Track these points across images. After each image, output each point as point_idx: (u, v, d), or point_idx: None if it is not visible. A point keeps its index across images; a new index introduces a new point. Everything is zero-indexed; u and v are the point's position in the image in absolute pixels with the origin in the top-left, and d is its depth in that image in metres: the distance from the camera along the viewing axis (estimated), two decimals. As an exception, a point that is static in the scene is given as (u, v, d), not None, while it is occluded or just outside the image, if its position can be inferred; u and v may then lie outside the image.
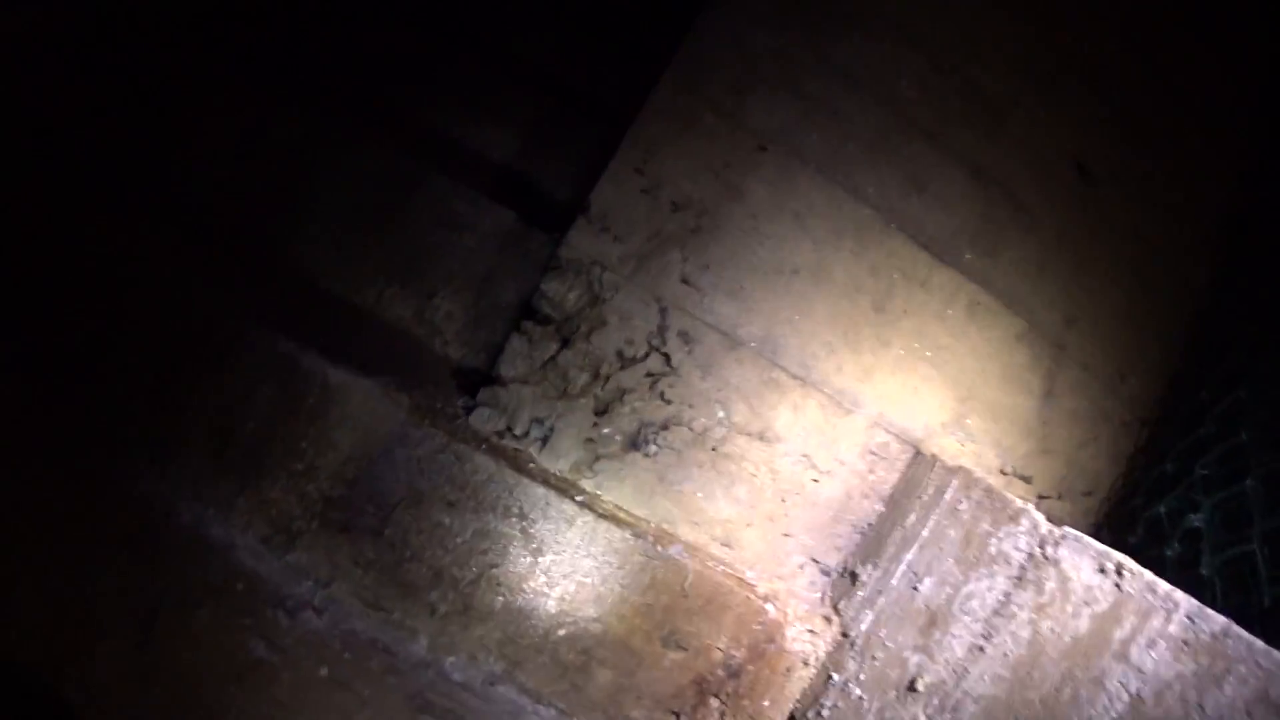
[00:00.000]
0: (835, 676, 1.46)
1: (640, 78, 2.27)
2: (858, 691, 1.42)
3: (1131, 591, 1.25)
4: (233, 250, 1.78)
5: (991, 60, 1.62)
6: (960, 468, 1.45)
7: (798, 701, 1.47)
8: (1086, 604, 1.28)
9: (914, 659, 1.40)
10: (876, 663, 1.44)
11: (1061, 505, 1.64)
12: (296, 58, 2.04)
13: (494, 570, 1.44)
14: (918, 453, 1.53)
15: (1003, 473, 1.59)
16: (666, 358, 1.46)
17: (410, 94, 2.01)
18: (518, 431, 1.48)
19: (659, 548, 1.44)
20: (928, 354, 1.53)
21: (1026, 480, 1.61)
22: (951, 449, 1.56)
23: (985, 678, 1.32)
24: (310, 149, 1.82)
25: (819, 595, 1.54)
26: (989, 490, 1.41)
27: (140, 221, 1.78)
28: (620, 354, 1.46)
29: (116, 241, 1.74)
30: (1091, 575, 1.28)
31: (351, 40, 2.06)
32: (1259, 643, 1.18)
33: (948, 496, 1.45)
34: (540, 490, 1.43)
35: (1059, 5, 1.67)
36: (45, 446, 1.59)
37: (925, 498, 1.49)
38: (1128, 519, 1.62)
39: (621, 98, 2.22)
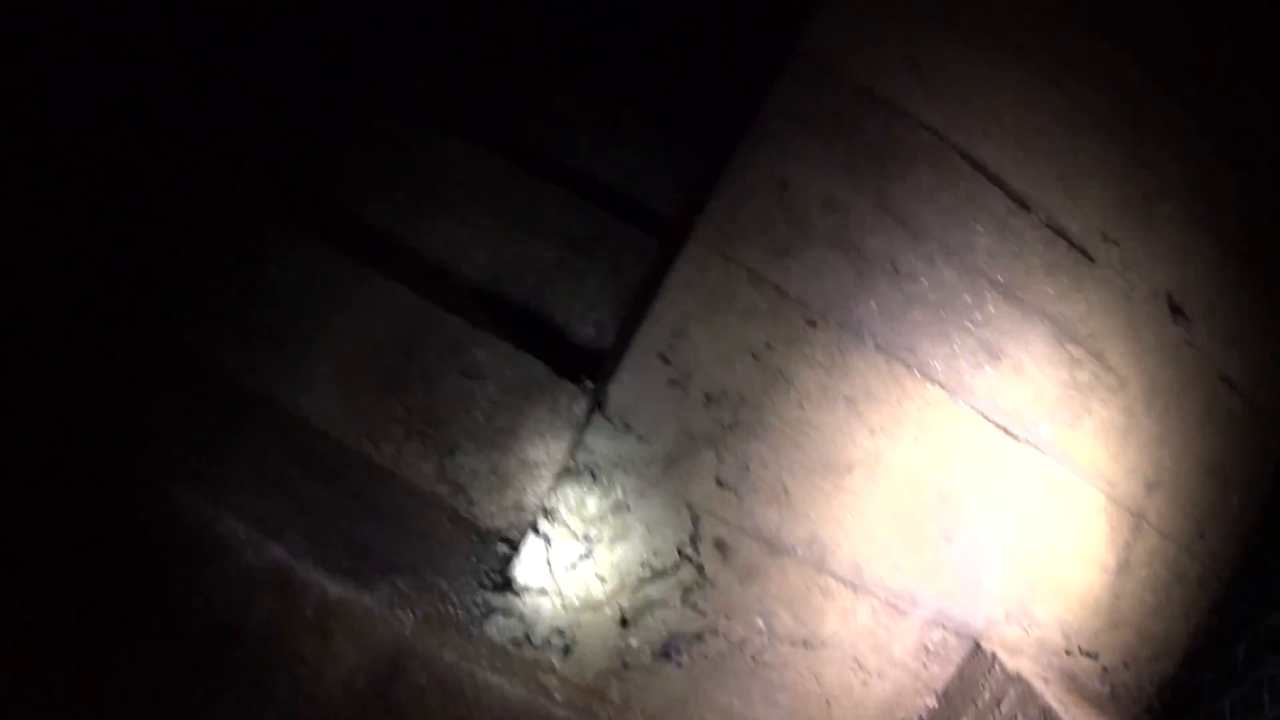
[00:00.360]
0: None
1: (672, 183, 1.99)
2: None
3: None
4: (227, 405, 1.60)
5: (1079, 192, 1.36)
6: (1019, 677, 1.31)
7: None
8: None
9: None
10: None
11: (1127, 673, 1.51)
12: (298, 173, 1.79)
13: (517, 786, 1.34)
14: (977, 646, 1.39)
15: (1067, 653, 1.46)
16: (700, 568, 1.30)
17: (413, 220, 1.77)
18: (536, 641, 1.35)
19: (693, 766, 1.33)
20: (995, 543, 1.36)
21: (1093, 657, 1.47)
22: (1014, 637, 1.41)
23: None
24: (314, 285, 1.61)
25: (863, 789, 1.44)
26: (1047, 712, 1.28)
27: (118, 373, 1.59)
28: (647, 564, 1.30)
29: (92, 399, 1.57)
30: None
31: (365, 161, 1.80)
32: None
33: (1004, 709, 1.32)
34: (561, 714, 1.31)
35: (1157, 124, 1.39)
36: (44, 639, 1.48)
37: (980, 704, 1.36)
38: (1193, 698, 1.49)
39: (657, 212, 1.97)
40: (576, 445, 1.30)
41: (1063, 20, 1.40)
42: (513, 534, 1.53)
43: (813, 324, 1.26)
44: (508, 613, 1.34)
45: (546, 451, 1.54)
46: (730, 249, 1.24)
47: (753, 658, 1.33)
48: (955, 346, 1.30)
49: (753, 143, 1.26)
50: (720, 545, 1.29)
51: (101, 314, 1.67)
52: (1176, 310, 1.44)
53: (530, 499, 1.54)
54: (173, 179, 1.72)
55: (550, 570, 1.33)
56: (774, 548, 1.30)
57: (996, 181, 1.32)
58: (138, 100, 1.81)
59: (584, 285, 1.78)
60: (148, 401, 1.61)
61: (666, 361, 1.25)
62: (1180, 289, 1.44)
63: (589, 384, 1.59)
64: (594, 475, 1.28)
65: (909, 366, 1.29)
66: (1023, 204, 1.34)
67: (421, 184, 1.82)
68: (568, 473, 1.29)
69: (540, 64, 2.10)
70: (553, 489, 1.33)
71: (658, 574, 1.30)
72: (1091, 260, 1.37)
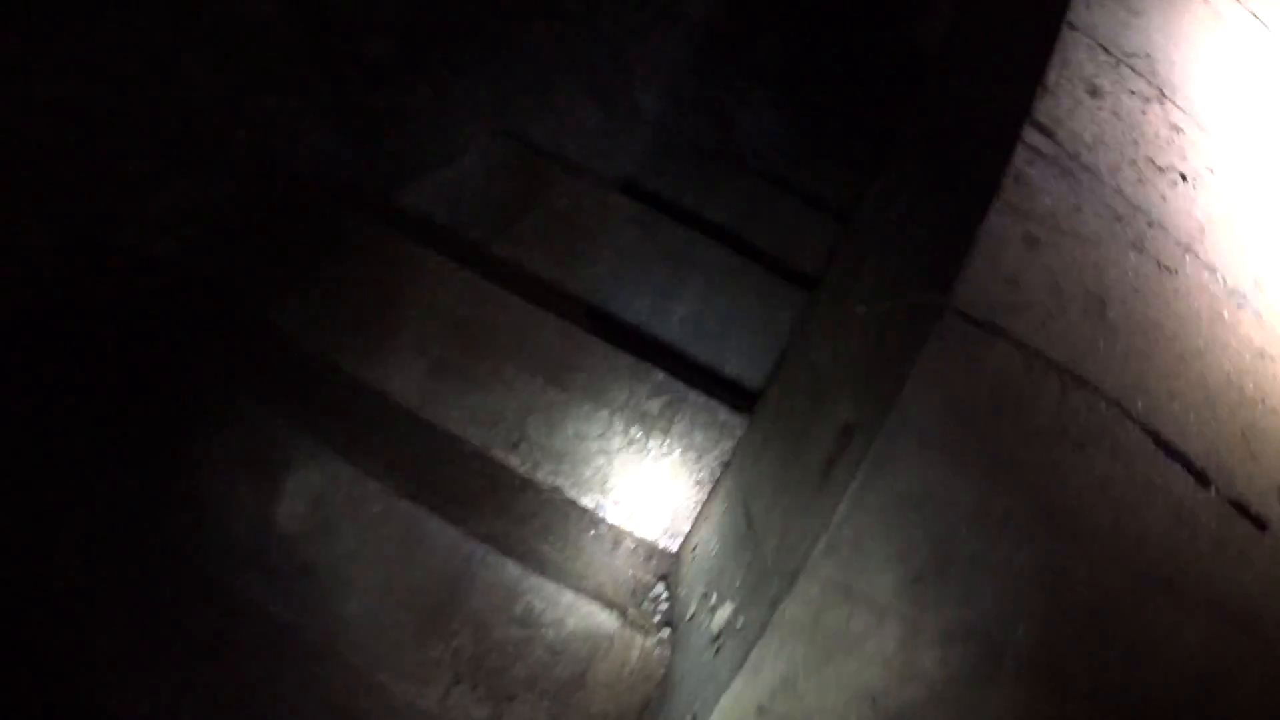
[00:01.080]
0: None
1: (755, 342, 1.64)
2: None
3: None
4: (254, 636, 1.30)
5: (1262, 449, 1.09)
6: None
7: None
8: None
9: None
10: None
11: None
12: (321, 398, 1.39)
13: None
14: None
15: None
16: None
17: (457, 389, 1.40)
18: None
19: None
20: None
21: None
22: None
23: None
24: (337, 507, 1.29)
25: None
26: None
27: (132, 605, 1.28)
28: None
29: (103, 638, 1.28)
30: None
31: (405, 336, 1.40)
32: None
33: None
34: None
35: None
36: None
37: None
38: None
39: (734, 379, 1.65)
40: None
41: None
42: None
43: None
44: None
45: (617, 703, 1.31)
46: (854, 584, 0.95)
47: None
48: (1108, 657, 1.07)
49: (890, 439, 0.93)
50: None
51: (111, 537, 1.33)
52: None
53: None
54: (186, 390, 1.34)
55: None
56: None
57: (1177, 457, 1.04)
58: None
59: (654, 472, 1.47)
60: (159, 640, 1.30)
61: (764, 713, 0.99)
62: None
63: (665, 632, 1.34)
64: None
65: (1055, 688, 1.05)
66: (1202, 478, 1.06)
67: (469, 346, 1.45)
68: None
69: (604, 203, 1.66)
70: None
71: None
72: (1264, 528, 1.13)
